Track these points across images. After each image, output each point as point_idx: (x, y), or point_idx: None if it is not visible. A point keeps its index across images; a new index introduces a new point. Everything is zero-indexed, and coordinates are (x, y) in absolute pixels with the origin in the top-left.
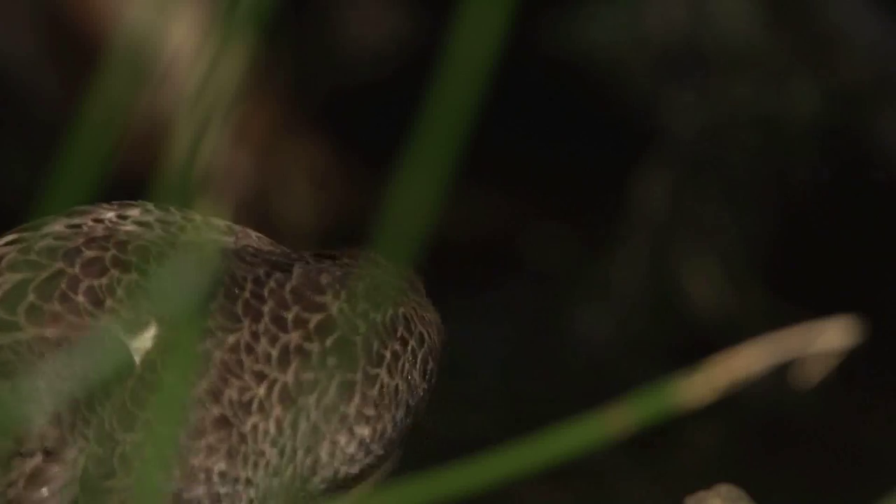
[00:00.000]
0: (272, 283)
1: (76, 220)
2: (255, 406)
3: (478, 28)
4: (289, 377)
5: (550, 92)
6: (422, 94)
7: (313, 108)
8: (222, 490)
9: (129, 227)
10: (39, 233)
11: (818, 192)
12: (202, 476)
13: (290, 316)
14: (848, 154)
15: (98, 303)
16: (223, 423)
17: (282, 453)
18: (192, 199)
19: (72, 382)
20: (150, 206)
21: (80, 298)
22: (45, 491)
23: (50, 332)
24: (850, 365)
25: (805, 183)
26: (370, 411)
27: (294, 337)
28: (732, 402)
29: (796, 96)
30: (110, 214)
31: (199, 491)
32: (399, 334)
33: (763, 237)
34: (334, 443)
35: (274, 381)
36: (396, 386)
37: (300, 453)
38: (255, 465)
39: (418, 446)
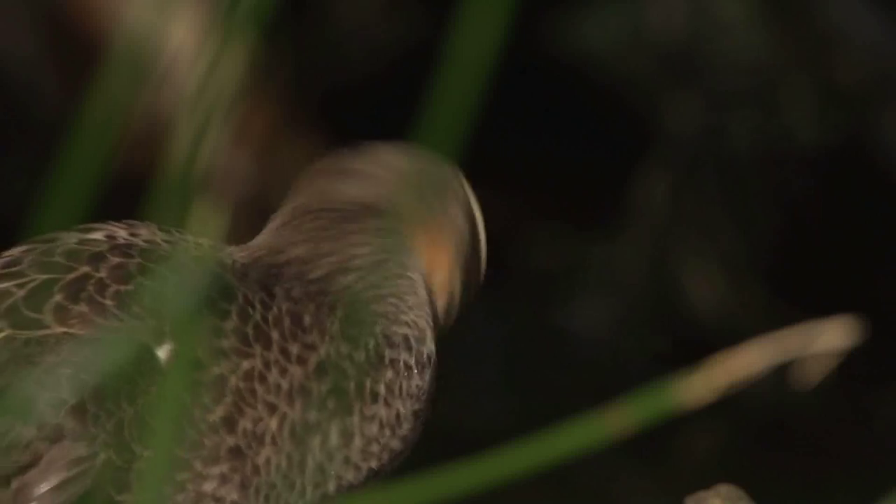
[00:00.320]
0: (275, 310)
1: (91, 236)
2: (268, 438)
3: (478, 29)
4: (296, 413)
5: (551, 92)
6: (421, 94)
7: (313, 107)
8: None
9: (143, 244)
10: (58, 241)
11: (818, 192)
12: None
13: (294, 350)
14: (848, 154)
15: (125, 308)
16: (237, 453)
17: (292, 487)
18: (191, 200)
19: (96, 374)
20: (154, 227)
21: (109, 302)
22: (53, 479)
23: (77, 331)
24: (850, 365)
25: (805, 183)
26: (374, 448)
27: (297, 373)
28: (732, 403)
29: (796, 97)
30: (122, 233)
31: None
32: (388, 360)
33: (763, 237)
34: (340, 477)
35: (284, 416)
36: (397, 412)
37: (309, 489)
38: (267, 498)
39: (418, 446)
